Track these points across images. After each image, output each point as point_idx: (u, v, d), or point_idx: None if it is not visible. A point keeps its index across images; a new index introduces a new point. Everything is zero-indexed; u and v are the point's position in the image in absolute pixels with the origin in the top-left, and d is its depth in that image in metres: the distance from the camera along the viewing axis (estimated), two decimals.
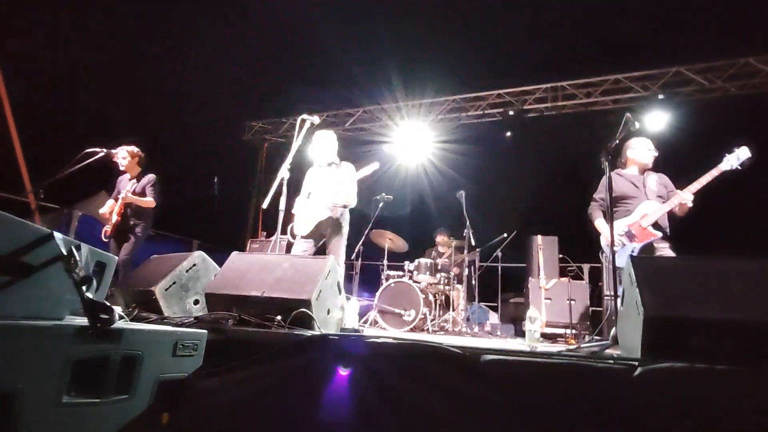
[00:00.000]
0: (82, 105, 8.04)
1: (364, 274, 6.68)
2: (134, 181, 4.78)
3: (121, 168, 4.82)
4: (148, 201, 4.73)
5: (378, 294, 5.34)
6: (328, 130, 4.33)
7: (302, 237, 3.98)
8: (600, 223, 3.76)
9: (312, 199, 4.04)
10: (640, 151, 3.80)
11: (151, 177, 4.83)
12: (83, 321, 1.37)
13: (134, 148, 4.87)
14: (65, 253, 1.32)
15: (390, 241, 6.06)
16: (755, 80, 6.93)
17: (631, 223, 3.59)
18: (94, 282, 1.43)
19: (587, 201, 3.96)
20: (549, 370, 1.55)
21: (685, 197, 3.44)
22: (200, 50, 8.29)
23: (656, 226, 3.53)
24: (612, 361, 1.55)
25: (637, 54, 7.43)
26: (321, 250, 4.01)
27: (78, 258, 1.33)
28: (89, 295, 1.34)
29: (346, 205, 4.00)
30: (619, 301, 2.42)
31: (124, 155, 4.77)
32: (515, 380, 1.55)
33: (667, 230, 3.57)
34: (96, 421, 1.36)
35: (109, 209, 4.71)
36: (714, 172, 3.40)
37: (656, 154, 3.79)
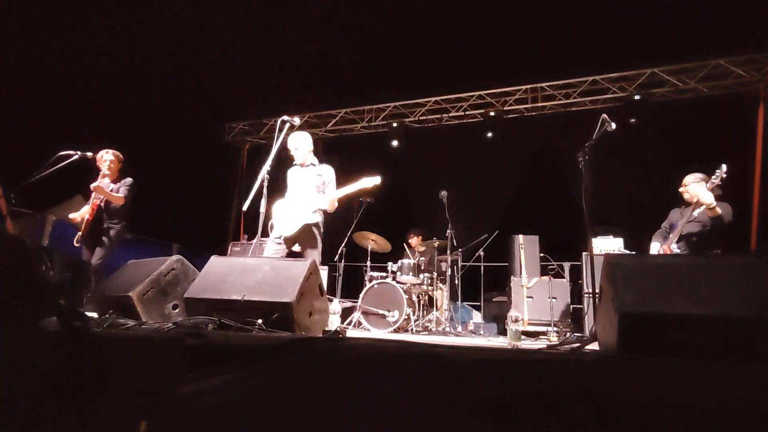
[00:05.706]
0: (55, 105, 7.85)
1: (347, 276, 6.66)
2: (112, 184, 4.62)
3: (106, 173, 4.57)
4: (118, 197, 4.51)
5: (361, 295, 5.33)
6: (302, 132, 4.27)
7: (275, 238, 3.90)
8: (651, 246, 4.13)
9: (294, 200, 3.99)
10: (689, 188, 3.86)
11: (128, 179, 4.71)
12: (56, 328, 1.33)
13: (119, 153, 4.69)
14: (36, 259, 1.29)
15: (373, 242, 6.06)
16: (726, 81, 7.14)
17: (664, 246, 3.92)
18: (67, 288, 1.40)
19: (567, 200, 4.06)
20: (529, 368, 1.57)
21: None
22: (180, 50, 8.15)
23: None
24: (589, 357, 1.58)
25: (613, 56, 7.57)
26: (293, 253, 3.96)
27: (49, 264, 1.30)
28: (62, 301, 1.31)
29: (329, 210, 3.97)
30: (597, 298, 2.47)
31: (111, 158, 4.58)
32: (496, 378, 1.57)
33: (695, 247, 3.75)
34: (70, 430, 1.32)
35: (80, 216, 4.45)
36: None
37: (699, 187, 3.70)
